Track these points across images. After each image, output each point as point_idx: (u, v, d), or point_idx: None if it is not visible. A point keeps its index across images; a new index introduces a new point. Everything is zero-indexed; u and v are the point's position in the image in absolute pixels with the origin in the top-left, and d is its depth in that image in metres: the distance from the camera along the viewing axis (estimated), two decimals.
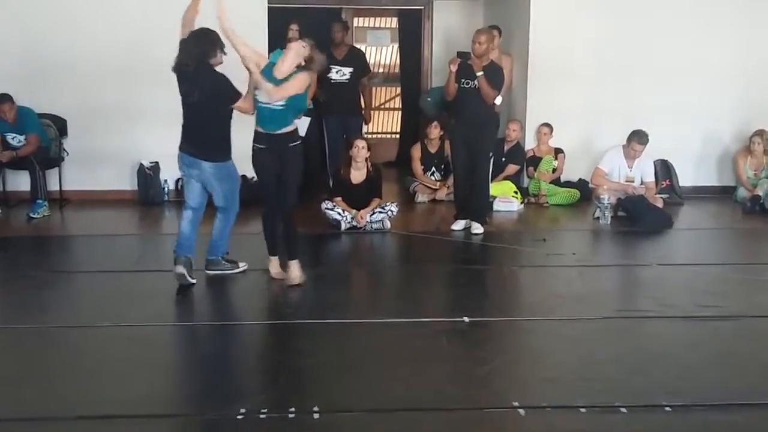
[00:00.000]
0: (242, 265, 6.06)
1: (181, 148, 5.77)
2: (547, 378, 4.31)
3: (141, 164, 8.69)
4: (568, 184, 8.96)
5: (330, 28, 9.07)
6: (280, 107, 5.57)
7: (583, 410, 3.87)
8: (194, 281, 5.70)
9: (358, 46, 10.85)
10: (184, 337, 5.06)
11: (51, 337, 4.88)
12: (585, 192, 8.74)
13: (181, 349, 4.92)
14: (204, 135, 5.68)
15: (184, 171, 5.82)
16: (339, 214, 7.40)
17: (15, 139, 8.06)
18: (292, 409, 3.83)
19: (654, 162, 8.69)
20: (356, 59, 9.16)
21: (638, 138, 8.26)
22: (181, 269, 5.61)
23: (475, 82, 7.16)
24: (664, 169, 9.08)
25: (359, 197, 7.51)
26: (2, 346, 4.76)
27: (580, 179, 8.98)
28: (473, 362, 4.47)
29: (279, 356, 4.65)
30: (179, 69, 5.59)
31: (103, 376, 4.29)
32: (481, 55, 7.18)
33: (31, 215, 7.84)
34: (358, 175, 7.55)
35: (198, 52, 5.53)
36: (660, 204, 8.21)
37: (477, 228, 7.39)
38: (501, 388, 4.23)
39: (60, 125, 8.57)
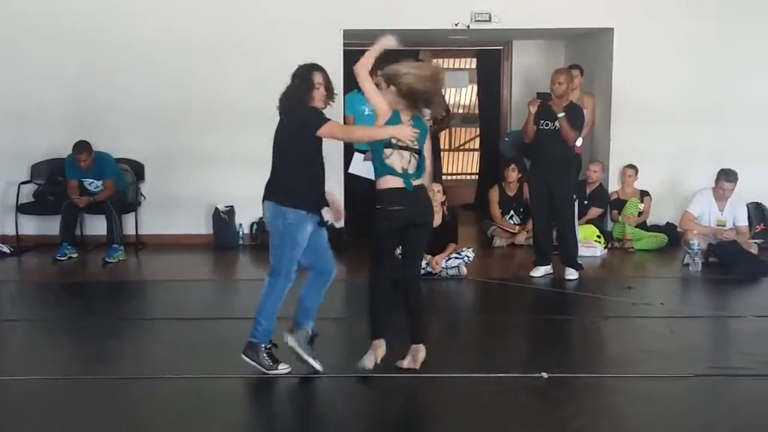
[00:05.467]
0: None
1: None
2: None
3: (216, 208, 8.66)
4: (655, 228, 8.58)
5: None
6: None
7: None
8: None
9: None
10: (238, 391, 4.80)
11: (111, 389, 4.73)
12: (673, 237, 8.36)
13: (233, 404, 4.66)
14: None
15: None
16: None
17: (92, 184, 8.13)
18: None
19: (747, 205, 8.22)
20: None
21: (726, 176, 7.81)
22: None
23: (555, 123, 6.94)
24: (759, 213, 8.65)
25: (434, 242, 7.22)
26: (62, 399, 4.62)
27: (667, 223, 8.59)
28: (551, 424, 4.17)
29: (340, 414, 4.41)
30: None
31: None
32: (561, 96, 6.96)
33: (107, 260, 7.85)
34: None
35: None
36: (754, 250, 7.74)
37: (570, 274, 7.15)
38: None
39: (137, 170, 8.63)
